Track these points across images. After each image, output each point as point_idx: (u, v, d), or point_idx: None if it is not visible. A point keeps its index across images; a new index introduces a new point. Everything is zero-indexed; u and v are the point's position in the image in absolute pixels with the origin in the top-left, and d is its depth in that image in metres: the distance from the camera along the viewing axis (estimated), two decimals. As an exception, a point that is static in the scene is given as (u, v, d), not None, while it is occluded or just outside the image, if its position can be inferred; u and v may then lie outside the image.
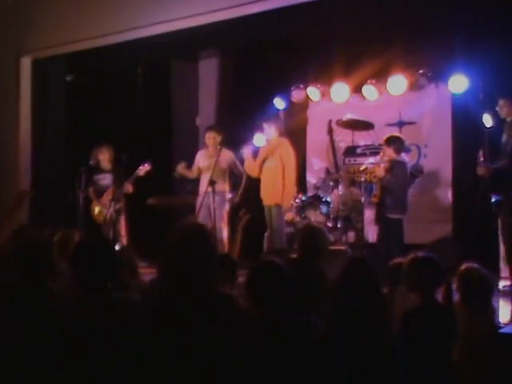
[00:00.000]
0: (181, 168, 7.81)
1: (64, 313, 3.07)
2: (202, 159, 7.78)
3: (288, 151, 7.43)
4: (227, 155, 7.58)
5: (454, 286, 3.84)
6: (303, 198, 7.62)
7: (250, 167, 7.56)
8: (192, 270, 2.71)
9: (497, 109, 6.38)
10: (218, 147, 7.45)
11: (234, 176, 7.73)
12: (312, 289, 3.77)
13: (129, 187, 8.06)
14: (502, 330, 3.74)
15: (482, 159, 6.30)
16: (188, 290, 2.69)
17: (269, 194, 7.40)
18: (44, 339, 3.07)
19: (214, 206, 7.22)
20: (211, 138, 7.71)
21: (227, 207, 7.68)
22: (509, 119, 6.31)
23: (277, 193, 7.31)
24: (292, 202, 7.57)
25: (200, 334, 2.63)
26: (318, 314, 3.03)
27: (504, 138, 6.29)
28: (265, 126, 7.50)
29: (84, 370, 2.91)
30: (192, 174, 7.83)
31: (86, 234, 6.69)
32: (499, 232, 6.41)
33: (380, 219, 7.02)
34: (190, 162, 7.86)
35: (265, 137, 7.51)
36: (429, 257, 3.62)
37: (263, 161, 7.46)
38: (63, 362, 2.95)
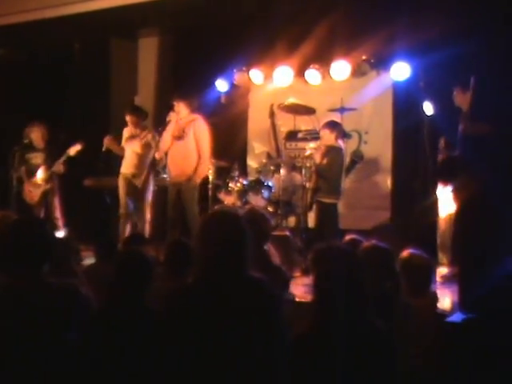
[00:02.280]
0: (107, 141, 7.61)
1: None
2: (125, 140, 7.66)
3: (201, 127, 7.29)
4: (148, 135, 7.53)
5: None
6: (244, 182, 7.55)
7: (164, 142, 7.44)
8: (223, 255, 2.65)
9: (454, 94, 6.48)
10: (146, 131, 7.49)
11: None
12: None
13: (60, 167, 7.86)
14: (449, 319, 3.76)
15: (443, 146, 6.36)
16: (219, 275, 2.64)
17: (179, 170, 7.25)
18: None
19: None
20: (130, 121, 7.61)
21: (151, 189, 7.60)
22: (464, 109, 6.38)
23: (188, 167, 7.20)
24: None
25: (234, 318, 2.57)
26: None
27: (461, 127, 6.35)
28: (174, 103, 7.36)
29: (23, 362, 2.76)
30: (121, 150, 7.66)
31: (20, 215, 6.47)
32: (439, 219, 6.52)
33: (314, 204, 7.09)
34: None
35: (176, 115, 7.36)
36: (378, 247, 3.60)
37: (173, 138, 7.33)
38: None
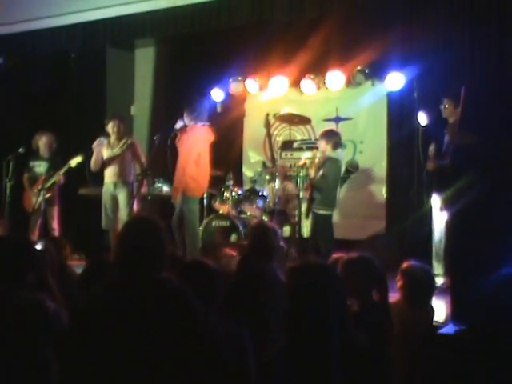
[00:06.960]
0: (97, 144, 7.40)
1: None
2: (105, 150, 7.52)
3: (203, 135, 7.07)
4: (133, 145, 7.42)
5: (398, 284, 3.81)
6: (239, 192, 7.55)
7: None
8: (136, 257, 2.66)
9: (441, 107, 6.41)
10: (125, 139, 7.36)
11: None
12: (261, 288, 3.65)
13: (60, 178, 7.83)
14: (441, 331, 3.74)
15: (433, 153, 6.33)
16: (127, 280, 2.63)
17: (179, 179, 7.00)
18: None
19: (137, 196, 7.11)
20: (115, 127, 7.48)
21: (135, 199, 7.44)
22: (451, 120, 6.35)
23: (188, 177, 6.95)
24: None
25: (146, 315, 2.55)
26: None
27: (446, 138, 6.34)
28: (184, 113, 7.25)
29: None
30: (96, 165, 7.48)
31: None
32: (433, 228, 6.49)
33: (310, 214, 7.05)
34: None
35: (182, 123, 7.25)
36: (361, 258, 3.48)
37: (178, 146, 7.20)
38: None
